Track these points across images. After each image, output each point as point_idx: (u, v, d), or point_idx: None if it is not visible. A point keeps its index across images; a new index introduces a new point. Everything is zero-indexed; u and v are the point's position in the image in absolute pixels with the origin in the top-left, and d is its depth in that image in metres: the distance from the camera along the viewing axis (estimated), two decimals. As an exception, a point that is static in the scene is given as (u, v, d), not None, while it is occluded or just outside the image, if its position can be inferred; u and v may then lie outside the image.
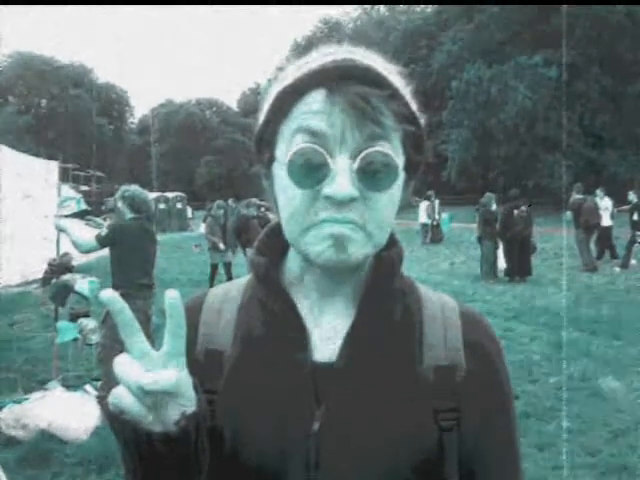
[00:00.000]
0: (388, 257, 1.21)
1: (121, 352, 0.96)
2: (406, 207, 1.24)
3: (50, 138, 74.89)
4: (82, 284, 8.38)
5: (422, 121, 1.15)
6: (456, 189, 52.94)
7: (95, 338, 8.19)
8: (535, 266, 18.33)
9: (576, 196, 19.94)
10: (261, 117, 1.17)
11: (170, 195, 49.16)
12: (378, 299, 1.20)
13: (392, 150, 1.07)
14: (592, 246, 20.06)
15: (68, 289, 8.40)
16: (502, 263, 18.10)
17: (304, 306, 1.21)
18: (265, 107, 1.16)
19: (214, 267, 16.33)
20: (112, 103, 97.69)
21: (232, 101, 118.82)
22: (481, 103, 48.38)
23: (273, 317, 1.20)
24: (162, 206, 45.03)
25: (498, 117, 47.39)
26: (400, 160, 1.10)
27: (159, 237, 8.25)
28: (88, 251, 7.41)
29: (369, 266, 1.21)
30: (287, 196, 1.10)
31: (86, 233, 7.40)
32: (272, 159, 1.15)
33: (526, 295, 15.24)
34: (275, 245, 1.27)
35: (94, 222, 8.30)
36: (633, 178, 36.35)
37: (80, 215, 8.23)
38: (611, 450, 6.43)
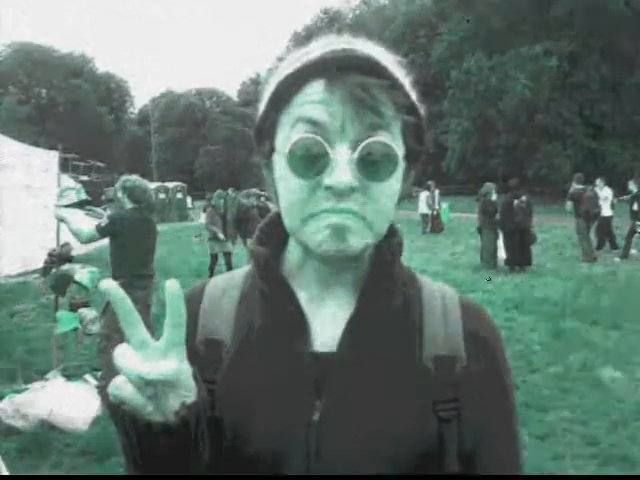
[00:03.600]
0: (388, 247, 1.21)
1: (121, 342, 0.96)
2: (406, 197, 1.23)
3: (50, 128, 74.89)
4: (82, 274, 8.39)
5: (422, 111, 1.15)
6: (456, 179, 52.98)
7: (95, 328, 8.20)
8: (535, 256, 18.31)
9: (576, 186, 19.92)
10: (261, 107, 1.17)
11: (170, 185, 49.24)
12: (378, 289, 1.20)
13: (392, 140, 1.07)
14: (592, 236, 20.04)
15: (68, 279, 8.40)
16: (502, 253, 18.09)
17: (304, 296, 1.21)
18: (265, 97, 1.16)
19: (214, 257, 16.33)
20: (112, 93, 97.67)
21: (232, 91, 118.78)
22: (481, 93, 48.33)
23: (273, 307, 1.20)
24: (162, 196, 45.13)
25: (498, 107, 47.36)
26: (400, 150, 1.10)
27: (159, 227, 8.24)
28: (88, 241, 7.42)
29: (369, 256, 1.21)
30: (287, 186, 1.10)
31: (86, 223, 7.41)
32: (272, 149, 1.15)
33: (526, 285, 15.23)
34: (275, 235, 1.27)
35: (94, 212, 8.31)
36: (633, 168, 36.36)
37: (80, 205, 8.22)
38: (611, 440, 6.44)
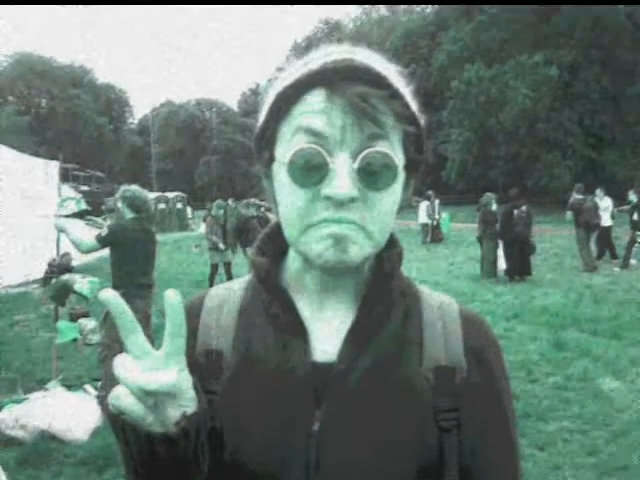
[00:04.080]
0: (388, 257, 1.21)
1: (121, 352, 0.96)
2: (406, 207, 1.23)
3: (50, 138, 74.96)
4: (82, 284, 8.37)
5: (422, 121, 1.15)
6: (456, 189, 53.00)
7: (95, 338, 8.21)
8: (535, 266, 18.31)
9: (576, 196, 19.92)
10: (261, 117, 1.17)
11: (170, 195, 49.26)
12: (378, 300, 1.19)
13: (392, 150, 1.07)
14: (592, 246, 20.04)
15: (68, 289, 8.40)
16: (502, 263, 18.08)
17: (304, 306, 1.21)
18: (265, 107, 1.16)
19: (214, 267, 16.32)
20: (112, 103, 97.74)
21: (232, 101, 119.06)
22: (481, 103, 48.34)
23: (273, 317, 1.20)
24: (162, 206, 45.15)
25: (498, 117, 47.38)
26: (400, 160, 1.10)
27: (159, 237, 8.26)
28: (88, 251, 7.43)
29: (369, 266, 1.21)
30: (287, 196, 1.10)
31: (86, 233, 7.41)
32: (272, 159, 1.15)
33: (526, 295, 15.20)
34: (275, 245, 1.27)
35: (94, 222, 8.31)
36: (633, 178, 36.32)
37: (80, 215, 8.23)
38: (611, 450, 6.43)
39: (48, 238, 10.28)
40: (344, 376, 1.15)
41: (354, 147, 1.05)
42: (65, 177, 25.60)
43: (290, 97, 1.09)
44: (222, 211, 17.08)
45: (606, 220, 19.75)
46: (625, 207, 20.60)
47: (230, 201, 24.46)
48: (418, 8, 77.44)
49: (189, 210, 51.46)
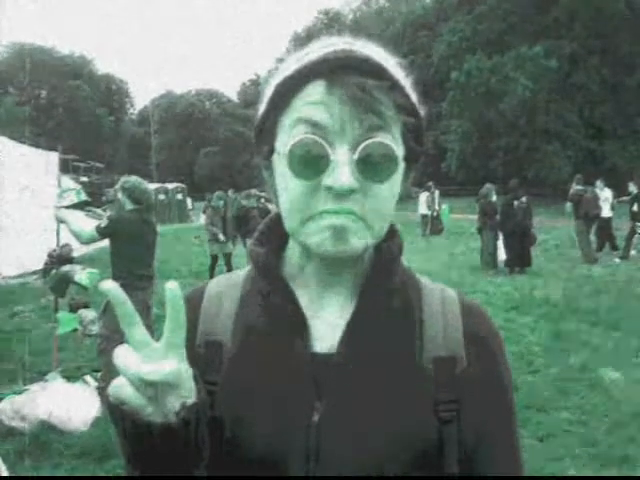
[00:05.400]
0: (388, 248, 1.21)
1: (121, 343, 0.96)
2: (406, 198, 1.23)
3: (50, 129, 74.90)
4: (82, 275, 8.36)
5: (422, 112, 1.15)
6: (456, 180, 52.95)
7: (95, 329, 8.20)
8: (535, 257, 18.30)
9: (576, 187, 19.91)
10: (261, 108, 1.17)
11: (170, 186, 49.20)
12: (378, 290, 1.19)
13: (392, 141, 1.07)
14: (592, 237, 20.03)
15: (68, 280, 8.39)
16: (502, 254, 18.08)
17: (304, 297, 1.21)
18: (265, 98, 1.16)
19: (214, 258, 16.31)
20: (112, 94, 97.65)
21: (232, 92, 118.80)
22: (481, 94, 48.34)
23: (273, 308, 1.20)
24: (162, 197, 45.10)
25: (498, 108, 47.35)
26: (400, 151, 1.10)
27: (159, 228, 8.23)
28: (88, 242, 7.41)
29: (369, 257, 1.21)
30: (287, 187, 1.10)
31: (86, 224, 7.40)
32: (272, 150, 1.14)
33: (526, 286, 15.20)
34: (275, 236, 1.27)
35: (94, 213, 8.29)
36: (633, 169, 36.27)
37: (80, 206, 8.21)
38: (611, 441, 6.43)
39: (48, 229, 10.25)
40: (344, 367, 1.14)
41: (354, 138, 1.05)
42: (65, 168, 25.55)
43: (290, 88, 1.09)
44: (222, 202, 17.04)
45: (606, 211, 19.75)
46: (625, 198, 20.61)
47: (230, 192, 24.41)
48: (418, -1, 77.45)
49: (189, 201, 51.41)
